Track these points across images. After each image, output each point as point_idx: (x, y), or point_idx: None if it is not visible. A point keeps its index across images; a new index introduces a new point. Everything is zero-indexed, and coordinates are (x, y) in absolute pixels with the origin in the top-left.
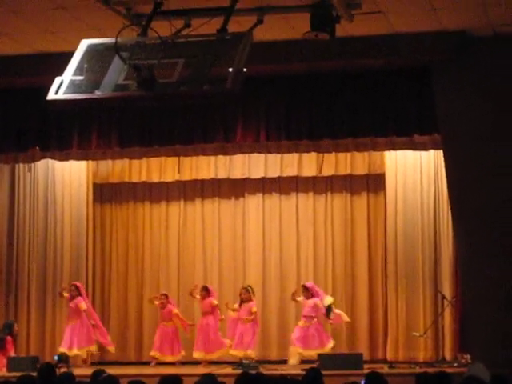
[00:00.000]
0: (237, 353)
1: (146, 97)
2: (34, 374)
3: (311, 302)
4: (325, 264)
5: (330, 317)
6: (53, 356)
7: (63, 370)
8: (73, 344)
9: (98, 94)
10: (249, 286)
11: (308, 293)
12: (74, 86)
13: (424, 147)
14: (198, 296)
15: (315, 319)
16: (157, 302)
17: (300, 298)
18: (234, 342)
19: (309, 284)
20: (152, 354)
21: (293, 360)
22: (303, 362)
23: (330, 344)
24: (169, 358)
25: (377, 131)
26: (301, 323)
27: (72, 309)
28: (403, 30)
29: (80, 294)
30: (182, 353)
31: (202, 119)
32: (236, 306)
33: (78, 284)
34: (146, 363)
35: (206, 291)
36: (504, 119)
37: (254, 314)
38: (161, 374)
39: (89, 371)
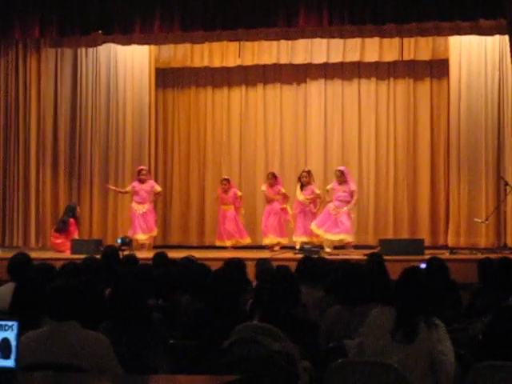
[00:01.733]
0: (297, 239)
1: None
2: (98, 256)
3: (346, 187)
4: (387, 150)
5: None
6: (115, 239)
7: (126, 252)
8: (142, 229)
9: None
10: (309, 170)
11: (343, 177)
12: None
13: (489, 32)
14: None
15: (346, 205)
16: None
17: (329, 186)
18: (296, 227)
19: (343, 168)
20: (220, 243)
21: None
22: (363, 247)
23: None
24: (230, 243)
25: (441, 16)
26: (332, 208)
27: (144, 192)
28: None
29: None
30: (248, 239)
31: (264, 3)
32: (298, 192)
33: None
34: (208, 247)
35: (274, 178)
36: None
37: (317, 195)
38: (222, 258)
39: (150, 254)
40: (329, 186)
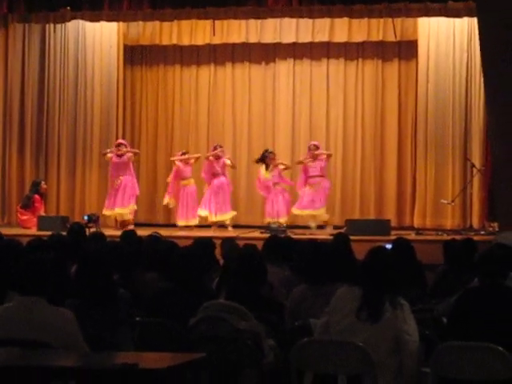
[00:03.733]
0: (269, 220)
1: None
2: (64, 233)
3: (318, 162)
4: (354, 131)
5: None
6: (82, 216)
7: (93, 229)
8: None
9: None
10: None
11: (318, 151)
12: None
13: (458, 14)
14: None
15: (323, 179)
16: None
17: (307, 160)
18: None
19: (317, 142)
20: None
21: (312, 223)
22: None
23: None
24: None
25: None
26: (309, 185)
27: (121, 164)
28: None
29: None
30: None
31: None
32: (264, 171)
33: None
34: (175, 226)
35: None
36: None
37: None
38: (191, 237)
39: (117, 232)
40: (307, 160)
